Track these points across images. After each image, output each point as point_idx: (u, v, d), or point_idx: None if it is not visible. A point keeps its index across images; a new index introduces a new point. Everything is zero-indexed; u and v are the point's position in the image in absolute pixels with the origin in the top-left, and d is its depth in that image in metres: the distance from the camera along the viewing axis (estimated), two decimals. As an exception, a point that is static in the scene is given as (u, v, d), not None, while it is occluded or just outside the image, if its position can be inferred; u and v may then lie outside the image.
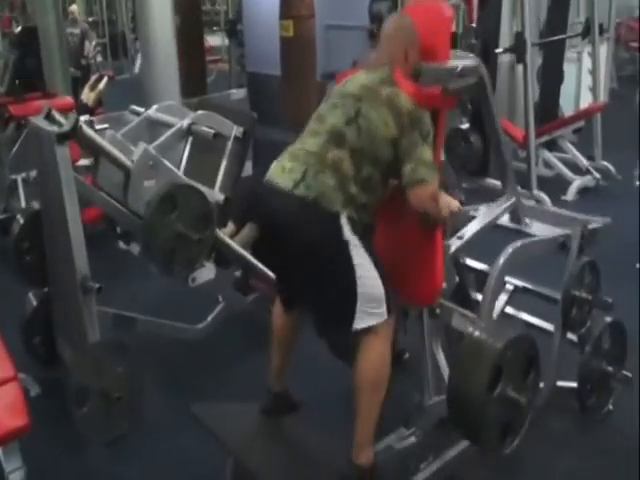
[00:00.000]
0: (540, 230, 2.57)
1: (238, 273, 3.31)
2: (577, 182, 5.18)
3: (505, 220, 2.64)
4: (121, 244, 3.44)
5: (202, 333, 3.17)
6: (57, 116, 2.60)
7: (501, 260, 2.22)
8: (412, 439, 2.22)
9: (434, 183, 1.94)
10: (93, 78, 6.26)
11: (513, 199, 2.52)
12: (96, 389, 2.39)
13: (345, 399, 2.69)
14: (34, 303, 2.91)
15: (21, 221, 3.04)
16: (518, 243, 2.30)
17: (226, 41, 9.73)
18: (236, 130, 2.89)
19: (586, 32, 5.27)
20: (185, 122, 2.79)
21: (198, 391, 2.88)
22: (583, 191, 5.20)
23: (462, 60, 2.12)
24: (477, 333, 1.94)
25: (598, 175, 5.27)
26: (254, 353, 3.15)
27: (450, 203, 2.56)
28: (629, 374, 2.57)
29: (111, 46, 11.88)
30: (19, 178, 4.29)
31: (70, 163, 2.45)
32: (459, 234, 2.36)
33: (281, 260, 2.08)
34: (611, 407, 2.63)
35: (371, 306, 1.90)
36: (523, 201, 2.65)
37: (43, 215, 2.75)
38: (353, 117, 1.93)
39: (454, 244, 2.30)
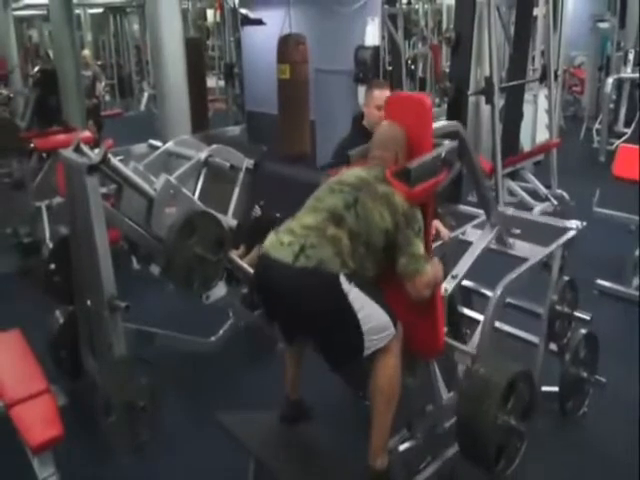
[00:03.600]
0: (523, 250, 2.52)
1: (245, 290, 3.25)
2: (538, 207, 5.18)
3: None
4: (135, 264, 3.36)
5: (214, 346, 3.08)
6: (85, 149, 2.54)
7: (499, 292, 2.18)
8: (413, 441, 2.17)
9: (427, 272, 1.86)
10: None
11: (497, 227, 2.49)
12: (123, 400, 2.29)
13: (348, 402, 2.64)
14: (61, 320, 2.81)
15: (50, 245, 2.95)
16: (513, 275, 2.25)
17: (220, 82, 9.75)
18: (247, 162, 2.85)
19: (543, 77, 5.35)
20: (203, 155, 2.74)
21: (210, 400, 2.79)
22: (543, 215, 5.22)
23: (444, 145, 2.00)
24: (482, 370, 1.97)
25: (555, 202, 5.31)
26: (260, 364, 3.10)
27: (442, 232, 2.53)
28: (602, 379, 2.55)
29: (119, 87, 11.85)
30: (43, 205, 4.17)
31: (99, 192, 2.38)
32: (453, 273, 2.28)
33: (283, 319, 2.00)
34: (586, 409, 2.61)
35: (378, 333, 1.83)
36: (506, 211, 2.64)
37: (71, 240, 2.66)
38: (352, 203, 1.85)
39: (450, 285, 2.21)
